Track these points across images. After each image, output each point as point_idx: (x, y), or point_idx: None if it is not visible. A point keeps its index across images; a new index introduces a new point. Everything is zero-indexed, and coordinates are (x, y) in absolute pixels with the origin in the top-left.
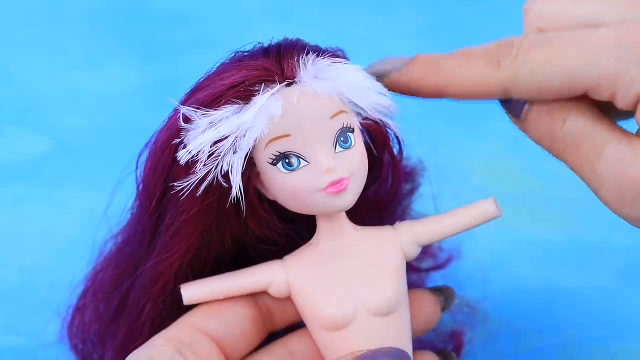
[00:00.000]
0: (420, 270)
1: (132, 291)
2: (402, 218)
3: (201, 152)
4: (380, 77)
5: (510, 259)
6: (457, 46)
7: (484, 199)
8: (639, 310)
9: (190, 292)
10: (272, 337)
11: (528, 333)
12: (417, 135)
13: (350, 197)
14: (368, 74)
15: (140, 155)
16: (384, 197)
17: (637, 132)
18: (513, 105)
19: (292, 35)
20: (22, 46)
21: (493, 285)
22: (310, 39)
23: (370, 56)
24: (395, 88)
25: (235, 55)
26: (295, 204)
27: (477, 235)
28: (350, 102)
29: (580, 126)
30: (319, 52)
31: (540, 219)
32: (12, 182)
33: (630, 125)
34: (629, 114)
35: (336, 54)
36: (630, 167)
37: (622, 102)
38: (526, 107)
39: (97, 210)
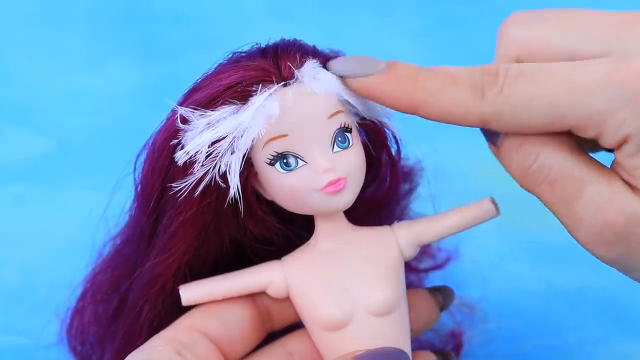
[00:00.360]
0: (418, 271)
1: (131, 292)
2: (401, 218)
3: (199, 153)
4: (343, 76)
5: (510, 258)
6: (457, 46)
7: (482, 199)
8: (639, 310)
9: (189, 292)
10: (270, 337)
11: (527, 333)
12: (415, 135)
13: (348, 197)
14: (328, 68)
15: (138, 156)
16: (382, 197)
17: (611, 166)
18: (491, 132)
19: (292, 36)
20: (22, 46)
21: (492, 285)
22: (311, 39)
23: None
24: (361, 92)
25: (233, 55)
26: (293, 204)
27: (476, 235)
28: (347, 101)
29: (557, 162)
30: (316, 52)
31: (540, 219)
32: (12, 182)
33: None
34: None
35: (333, 55)
36: (610, 209)
37: (607, 141)
38: (501, 135)
39: (97, 210)
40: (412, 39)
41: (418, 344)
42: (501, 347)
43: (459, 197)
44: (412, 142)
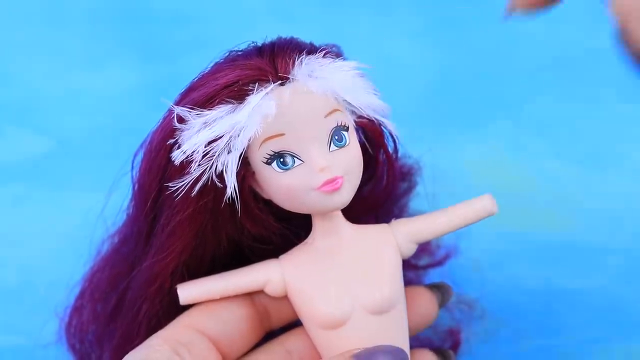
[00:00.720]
0: (417, 268)
1: (129, 291)
2: (399, 217)
3: (195, 152)
4: None
5: (510, 259)
6: (457, 46)
7: (480, 196)
8: (639, 310)
9: (187, 291)
10: (269, 336)
11: (527, 333)
12: (414, 135)
13: (345, 196)
14: None
15: (135, 155)
16: (380, 195)
17: None
18: None
19: (292, 35)
20: (22, 46)
21: (492, 285)
22: (311, 39)
23: (371, 56)
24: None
25: (229, 54)
26: (290, 203)
27: (476, 235)
28: (344, 100)
29: None
30: (313, 50)
31: (540, 219)
32: (12, 182)
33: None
34: None
35: (331, 51)
36: None
37: None
38: None
39: (97, 209)
40: (412, 39)
41: (417, 341)
42: (500, 347)
43: (460, 198)
44: (411, 141)
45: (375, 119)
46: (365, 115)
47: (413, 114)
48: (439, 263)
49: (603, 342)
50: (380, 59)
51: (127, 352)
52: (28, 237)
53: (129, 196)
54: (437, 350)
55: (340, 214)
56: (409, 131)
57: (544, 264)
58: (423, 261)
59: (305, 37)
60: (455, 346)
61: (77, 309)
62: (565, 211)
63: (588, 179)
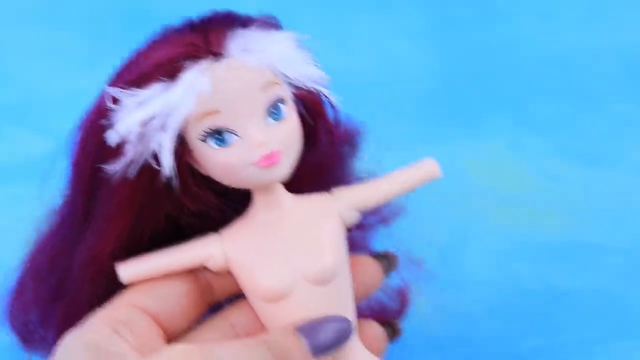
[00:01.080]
0: (363, 227)
1: (69, 272)
2: (347, 182)
3: (130, 133)
4: None
5: (510, 259)
6: (457, 46)
7: (423, 160)
8: (639, 310)
9: (128, 270)
10: (217, 308)
11: (527, 332)
12: (414, 135)
13: (284, 169)
14: None
15: (71, 136)
16: (323, 164)
17: None
18: None
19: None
20: (22, 46)
21: (492, 285)
22: (310, 40)
23: (371, 56)
24: None
25: (163, 30)
26: (228, 179)
27: (476, 235)
28: (281, 73)
29: None
30: (249, 22)
31: (540, 219)
32: (12, 182)
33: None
34: None
35: (268, 22)
36: None
37: None
38: None
39: None
40: (412, 39)
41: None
42: (501, 347)
43: (458, 197)
44: (411, 141)
45: (315, 89)
46: (304, 87)
47: (413, 113)
48: (385, 220)
49: (603, 342)
50: (380, 59)
51: None
52: (27, 238)
53: (66, 178)
54: (384, 323)
55: (280, 186)
56: (409, 131)
57: (544, 264)
58: (369, 220)
59: (304, 37)
60: (403, 306)
61: (18, 290)
62: (565, 211)
63: (588, 179)
